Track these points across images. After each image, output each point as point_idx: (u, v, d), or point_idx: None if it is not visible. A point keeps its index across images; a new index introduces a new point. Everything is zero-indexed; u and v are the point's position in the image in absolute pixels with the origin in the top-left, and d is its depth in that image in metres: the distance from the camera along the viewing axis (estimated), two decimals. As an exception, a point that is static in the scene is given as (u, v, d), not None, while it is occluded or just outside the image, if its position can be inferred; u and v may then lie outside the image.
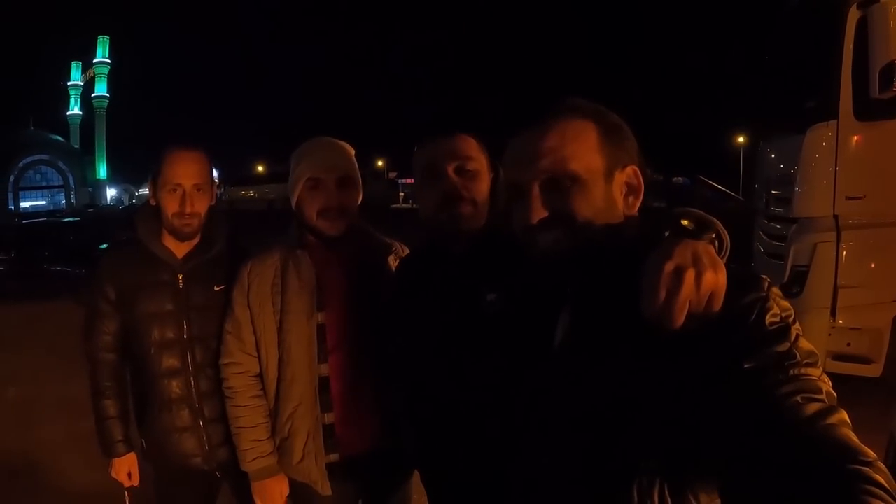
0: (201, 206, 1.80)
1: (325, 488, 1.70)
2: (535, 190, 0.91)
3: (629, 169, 0.93)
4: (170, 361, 1.83)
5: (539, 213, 0.90)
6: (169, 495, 1.95)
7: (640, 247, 0.84)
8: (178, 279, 1.84)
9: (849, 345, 4.10)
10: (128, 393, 1.93)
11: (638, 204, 0.94)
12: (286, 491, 1.77)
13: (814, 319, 4.06)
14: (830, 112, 4.04)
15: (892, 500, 0.61)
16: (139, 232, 1.84)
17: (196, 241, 1.87)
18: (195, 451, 1.87)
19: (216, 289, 1.85)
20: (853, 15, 3.96)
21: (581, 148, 0.90)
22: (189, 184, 1.76)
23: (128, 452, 1.90)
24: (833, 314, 4.06)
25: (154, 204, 1.83)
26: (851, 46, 3.95)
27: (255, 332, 1.72)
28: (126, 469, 1.90)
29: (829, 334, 4.09)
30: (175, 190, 1.76)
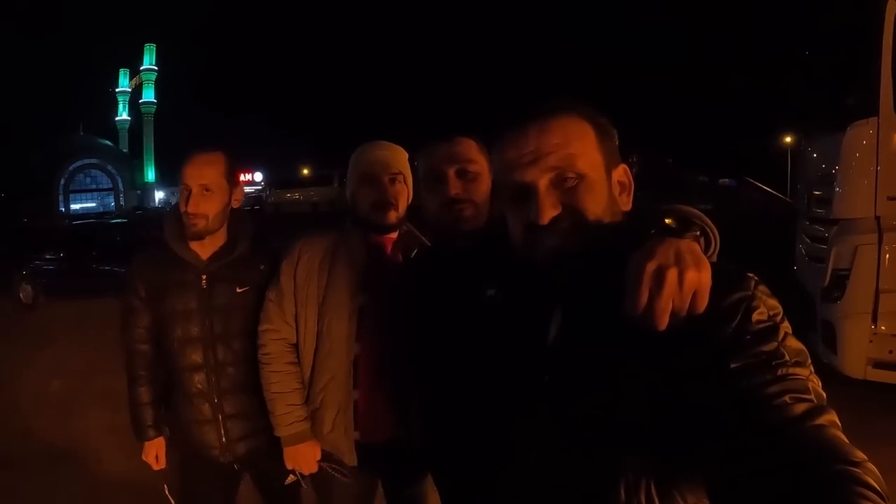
0: (208, 207, 1.84)
1: (351, 458, 1.77)
2: (544, 188, 0.87)
3: (621, 167, 0.94)
4: (192, 357, 1.91)
5: (549, 211, 0.86)
6: (192, 481, 2.04)
7: (628, 245, 0.84)
8: (202, 279, 1.91)
9: (891, 352, 3.89)
10: (160, 382, 2.02)
11: (630, 201, 0.94)
12: (319, 455, 1.83)
13: (854, 325, 3.91)
14: (870, 109, 3.86)
15: (881, 502, 0.61)
16: (166, 234, 1.92)
17: (221, 242, 1.94)
18: (213, 443, 1.95)
19: (239, 290, 1.92)
20: (892, 7, 3.78)
21: (585, 146, 0.89)
22: (195, 185, 1.82)
23: (157, 437, 1.98)
24: (874, 320, 3.87)
25: None
26: (891, 41, 3.77)
27: (296, 304, 1.80)
28: (154, 452, 1.98)
29: (871, 341, 3.89)
30: (185, 191, 1.83)
